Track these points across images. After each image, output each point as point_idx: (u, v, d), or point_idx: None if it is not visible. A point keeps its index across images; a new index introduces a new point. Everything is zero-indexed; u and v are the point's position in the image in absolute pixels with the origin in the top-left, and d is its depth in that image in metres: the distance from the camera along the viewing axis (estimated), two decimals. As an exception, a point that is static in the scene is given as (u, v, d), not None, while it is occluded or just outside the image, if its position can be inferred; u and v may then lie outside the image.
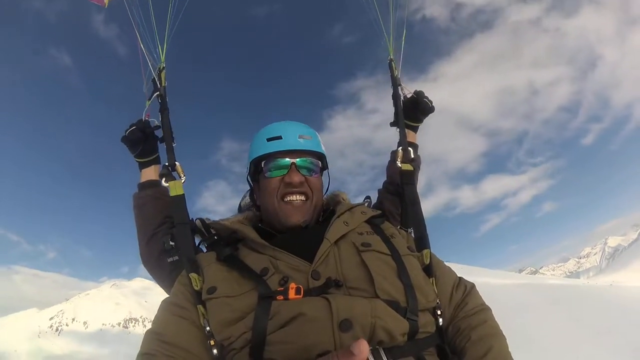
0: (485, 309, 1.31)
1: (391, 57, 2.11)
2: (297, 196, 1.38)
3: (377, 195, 1.87)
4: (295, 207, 1.37)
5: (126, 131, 1.70)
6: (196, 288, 1.19)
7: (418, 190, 1.79)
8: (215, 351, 1.09)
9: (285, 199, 1.38)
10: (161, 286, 1.58)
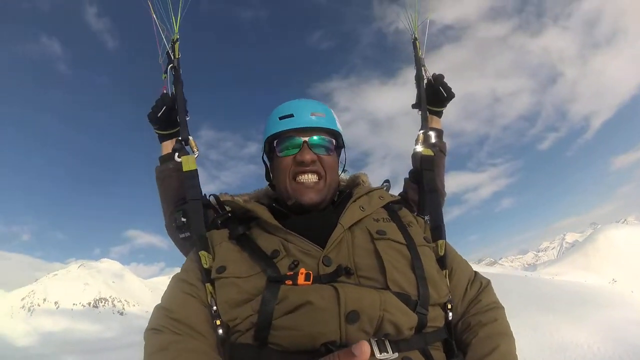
0: (498, 307, 1.28)
1: (415, 36, 2.02)
2: (309, 175, 1.33)
3: (403, 184, 1.78)
4: (307, 187, 1.32)
5: (154, 109, 1.70)
6: (205, 266, 1.18)
7: (445, 178, 1.77)
8: (220, 331, 1.08)
9: (297, 179, 1.33)
10: (185, 256, 1.48)
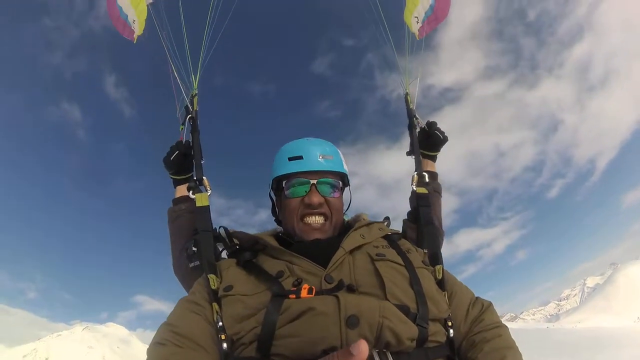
0: (502, 326, 1.31)
1: (407, 91, 2.30)
2: (317, 217, 1.42)
3: (402, 225, 1.86)
4: (314, 228, 1.41)
5: (168, 153, 1.86)
6: (213, 287, 1.25)
7: (443, 216, 1.95)
8: (225, 345, 1.11)
9: (305, 220, 1.42)
10: None
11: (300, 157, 1.45)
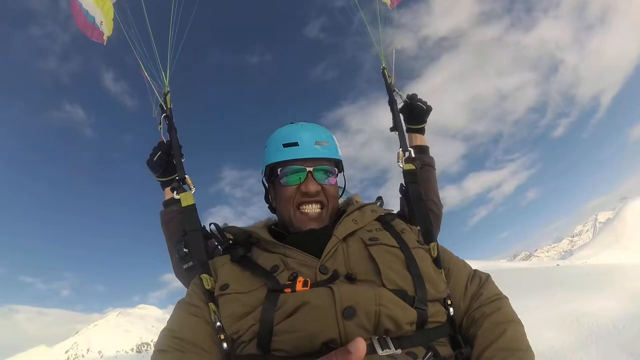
0: (501, 298, 1.29)
1: (384, 65, 2.18)
2: (313, 206, 1.37)
3: (399, 203, 1.84)
4: (311, 218, 1.36)
5: (151, 155, 1.81)
6: (207, 287, 1.23)
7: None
8: (225, 345, 1.11)
9: (301, 209, 1.37)
10: None
11: (296, 144, 1.38)
